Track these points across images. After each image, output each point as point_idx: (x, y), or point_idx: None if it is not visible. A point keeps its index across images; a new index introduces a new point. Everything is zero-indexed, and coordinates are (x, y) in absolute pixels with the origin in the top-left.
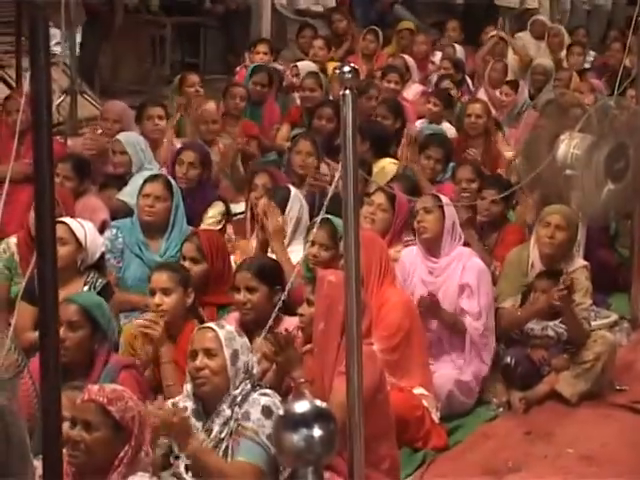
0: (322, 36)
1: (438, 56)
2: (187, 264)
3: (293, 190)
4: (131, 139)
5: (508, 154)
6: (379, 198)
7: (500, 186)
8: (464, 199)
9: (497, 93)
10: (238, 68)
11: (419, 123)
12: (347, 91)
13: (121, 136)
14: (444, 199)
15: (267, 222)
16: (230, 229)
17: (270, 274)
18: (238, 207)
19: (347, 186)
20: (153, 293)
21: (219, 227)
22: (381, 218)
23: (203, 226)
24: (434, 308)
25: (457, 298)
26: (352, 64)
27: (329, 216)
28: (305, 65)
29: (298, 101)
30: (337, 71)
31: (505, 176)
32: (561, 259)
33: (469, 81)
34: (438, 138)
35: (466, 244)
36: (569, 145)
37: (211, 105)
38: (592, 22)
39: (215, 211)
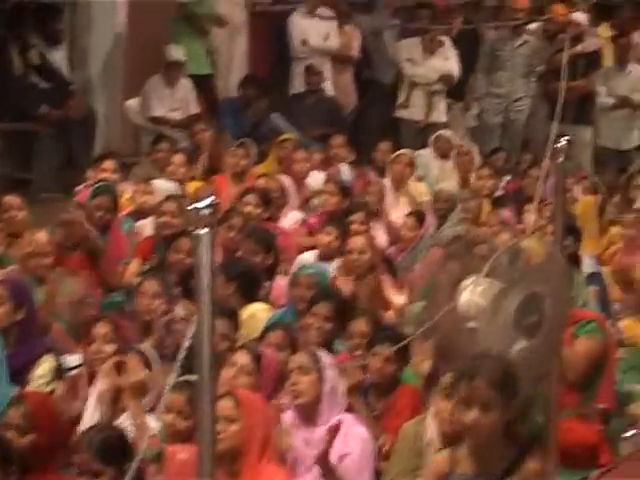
0: (182, 150)
1: (320, 177)
2: (10, 435)
3: (144, 348)
4: None
5: (398, 300)
6: (242, 358)
7: (395, 340)
8: (357, 358)
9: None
10: (78, 187)
11: (308, 255)
12: (203, 231)
13: None
14: (324, 358)
15: (121, 379)
16: (62, 388)
17: (115, 452)
18: (73, 359)
19: (202, 341)
20: None
21: (50, 388)
22: (244, 384)
23: (31, 387)
24: None
25: None
26: (212, 197)
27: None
28: (162, 185)
29: (149, 230)
30: (190, 207)
31: (398, 327)
32: None
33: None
34: (326, 291)
35: (349, 410)
36: (473, 293)
37: (41, 235)
38: (505, 140)
39: (45, 368)
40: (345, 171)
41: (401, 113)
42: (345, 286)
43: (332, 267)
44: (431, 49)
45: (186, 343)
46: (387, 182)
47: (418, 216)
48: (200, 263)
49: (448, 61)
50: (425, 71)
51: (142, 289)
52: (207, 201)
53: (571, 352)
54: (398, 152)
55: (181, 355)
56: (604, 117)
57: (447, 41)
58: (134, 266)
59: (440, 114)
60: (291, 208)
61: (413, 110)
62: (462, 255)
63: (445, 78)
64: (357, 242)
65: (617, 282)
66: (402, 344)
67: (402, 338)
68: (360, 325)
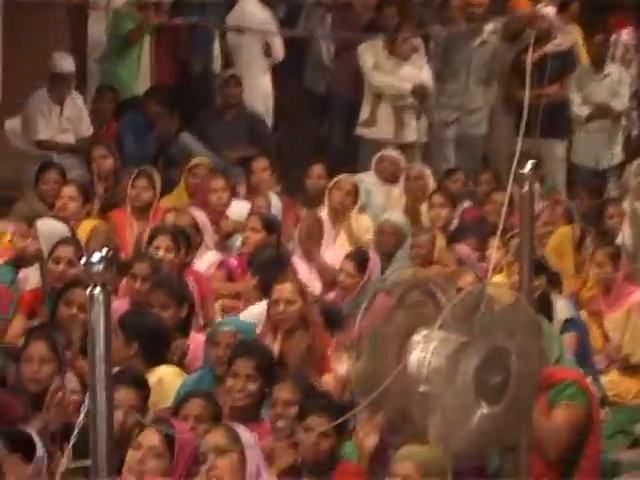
0: (75, 181)
1: (244, 209)
2: None
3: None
4: None
5: (337, 359)
6: (150, 437)
7: (331, 411)
8: (279, 432)
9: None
10: None
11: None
12: (97, 289)
13: None
14: (244, 434)
15: None
16: None
17: None
18: None
19: (98, 418)
20: None
21: None
22: (153, 468)
23: None
24: None
25: None
26: (107, 246)
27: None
28: (49, 227)
29: (34, 280)
30: (82, 261)
31: (336, 393)
32: None
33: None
34: (246, 346)
35: None
36: (425, 350)
37: None
38: (461, 158)
39: None
40: (273, 201)
41: (364, 131)
42: (272, 344)
43: (258, 322)
44: (403, 54)
45: (80, 421)
46: (323, 214)
47: (360, 258)
48: (95, 327)
49: (421, 70)
50: (395, 81)
51: (28, 353)
52: (101, 253)
53: (549, 425)
54: (337, 178)
55: (74, 436)
56: (580, 130)
57: (420, 45)
58: (17, 324)
59: (412, 132)
60: (207, 248)
61: (380, 128)
62: (411, 303)
63: (419, 91)
64: (283, 290)
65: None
66: (345, 417)
67: (341, 407)
68: (285, 391)
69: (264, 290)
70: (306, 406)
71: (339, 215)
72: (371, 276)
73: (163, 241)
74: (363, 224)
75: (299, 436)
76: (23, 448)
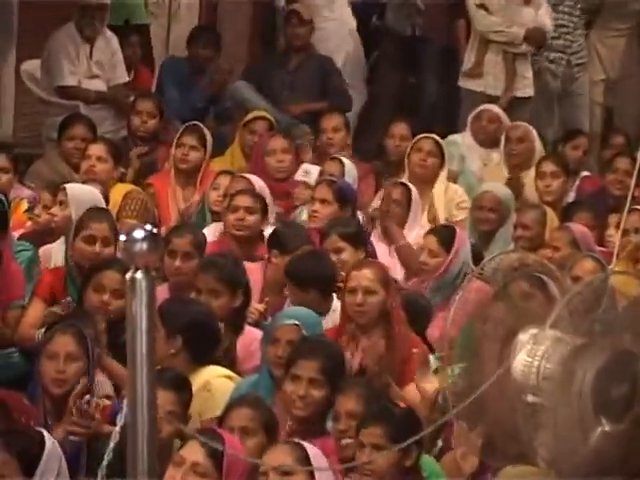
0: (105, 138)
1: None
2: None
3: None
4: None
5: (428, 386)
6: (193, 452)
7: (409, 426)
8: (345, 452)
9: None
10: None
11: None
12: (139, 273)
13: None
14: (312, 451)
15: None
16: None
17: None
18: None
19: (137, 430)
20: None
21: None
22: None
23: None
24: None
25: None
26: (149, 226)
27: None
28: (78, 192)
29: (58, 258)
30: (122, 239)
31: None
32: None
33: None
34: (312, 343)
35: None
36: (533, 353)
37: None
38: (573, 115)
39: None
40: (347, 167)
41: (468, 83)
42: (343, 343)
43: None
44: None
45: (115, 433)
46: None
47: (445, 233)
48: (135, 320)
49: (540, 11)
50: (506, 24)
51: (50, 349)
52: (145, 229)
53: None
54: (419, 137)
55: (108, 451)
56: None
57: None
58: (33, 311)
59: (527, 86)
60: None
61: (487, 81)
62: (516, 295)
63: (536, 36)
64: (362, 277)
65: None
66: (428, 430)
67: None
68: (349, 402)
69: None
70: (365, 416)
71: (421, 184)
72: (458, 255)
73: (243, 200)
74: (454, 196)
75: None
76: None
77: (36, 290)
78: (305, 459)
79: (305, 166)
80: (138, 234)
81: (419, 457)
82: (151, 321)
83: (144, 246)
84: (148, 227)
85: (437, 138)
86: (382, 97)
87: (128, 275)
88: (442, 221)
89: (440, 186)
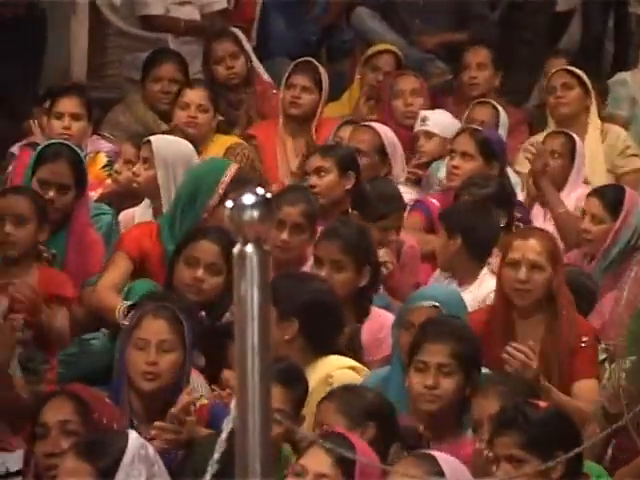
0: (203, 83)
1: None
2: None
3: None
4: None
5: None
6: (317, 462)
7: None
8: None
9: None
10: (13, 148)
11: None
12: (249, 246)
13: None
14: (448, 463)
15: None
16: None
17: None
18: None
19: (248, 437)
20: None
21: None
22: None
23: None
24: None
25: None
26: (260, 189)
27: None
28: (166, 147)
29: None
30: (229, 206)
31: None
32: None
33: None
34: (443, 325)
35: None
36: None
37: None
38: None
39: None
40: (500, 115)
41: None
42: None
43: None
44: None
45: (221, 441)
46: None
47: (611, 195)
48: (245, 302)
49: None
50: None
51: (139, 335)
52: (256, 194)
53: None
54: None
55: (212, 463)
56: None
57: None
58: (117, 272)
59: None
60: (395, 180)
61: None
62: None
63: None
64: (528, 248)
65: None
66: (590, 443)
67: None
68: (491, 404)
69: (479, 254)
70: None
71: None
72: (628, 221)
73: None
74: (616, 142)
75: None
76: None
77: (120, 245)
78: (438, 475)
79: (422, 113)
80: (248, 199)
81: (577, 466)
82: (265, 305)
83: (255, 214)
84: (260, 191)
85: (575, 70)
86: (527, 26)
87: (236, 249)
88: (602, 175)
89: (594, 131)
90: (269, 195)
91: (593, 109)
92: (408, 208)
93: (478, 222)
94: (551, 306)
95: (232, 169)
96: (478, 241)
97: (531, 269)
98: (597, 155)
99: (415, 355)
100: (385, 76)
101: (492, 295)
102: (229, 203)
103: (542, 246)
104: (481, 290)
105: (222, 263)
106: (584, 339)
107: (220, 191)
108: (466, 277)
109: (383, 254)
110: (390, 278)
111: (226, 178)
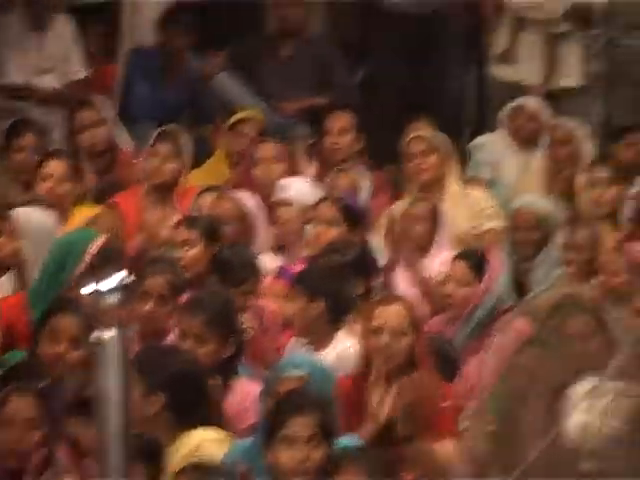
0: (63, 152)
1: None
2: None
3: None
4: None
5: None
6: None
7: None
8: None
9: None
10: None
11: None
12: (109, 332)
13: None
14: None
15: None
16: None
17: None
18: None
19: None
20: None
21: None
22: None
23: None
24: None
25: None
26: (123, 272)
27: None
28: (29, 219)
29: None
30: (85, 291)
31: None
32: None
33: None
34: (305, 397)
35: None
36: (592, 409)
37: None
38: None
39: None
40: (361, 181)
41: (501, 71)
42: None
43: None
44: None
45: None
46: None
47: (475, 257)
48: (106, 390)
49: None
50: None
51: (4, 413)
52: (117, 277)
53: None
54: (414, 132)
55: None
56: None
57: None
58: None
59: (572, 73)
60: (258, 248)
61: (521, 67)
62: (569, 335)
63: (578, 13)
64: (391, 315)
65: None
66: None
67: None
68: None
69: (335, 318)
70: None
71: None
72: (491, 285)
73: (189, 233)
74: (479, 202)
75: None
76: None
77: None
78: None
79: (281, 181)
80: (107, 284)
81: None
82: (126, 391)
83: (114, 299)
84: (121, 274)
85: (434, 132)
86: (389, 89)
87: (94, 335)
88: (463, 238)
89: (454, 195)
90: (128, 280)
91: (453, 172)
92: (272, 275)
93: (340, 285)
94: (413, 371)
95: (99, 239)
96: (339, 305)
97: (393, 335)
98: (457, 218)
99: (280, 430)
100: (250, 142)
101: (347, 352)
102: (87, 289)
103: (404, 312)
104: (336, 350)
105: (84, 336)
106: (446, 402)
107: (87, 260)
108: (323, 341)
109: (244, 319)
110: (252, 343)
111: (93, 248)
